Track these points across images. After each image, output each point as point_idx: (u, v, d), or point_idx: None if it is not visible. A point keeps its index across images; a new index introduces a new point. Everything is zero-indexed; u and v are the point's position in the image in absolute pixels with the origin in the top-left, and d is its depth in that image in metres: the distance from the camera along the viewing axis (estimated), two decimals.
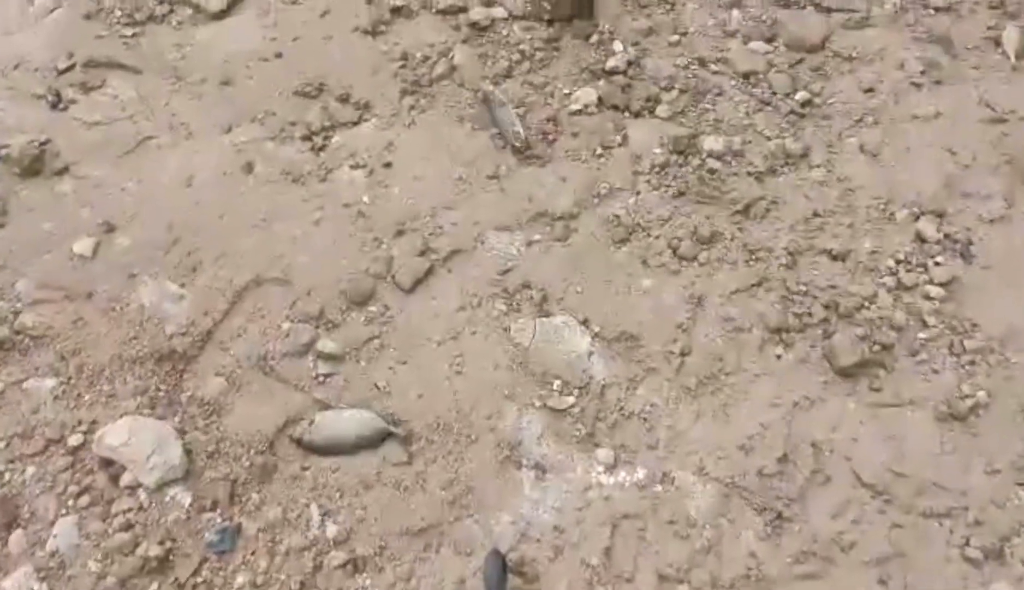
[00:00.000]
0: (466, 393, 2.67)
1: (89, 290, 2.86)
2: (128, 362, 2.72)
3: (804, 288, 2.85)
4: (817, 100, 3.33)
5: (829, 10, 3.59)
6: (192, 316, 2.81)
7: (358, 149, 3.20)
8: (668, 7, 3.61)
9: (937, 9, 3.58)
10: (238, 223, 3.01)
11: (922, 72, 3.38)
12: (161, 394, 2.68)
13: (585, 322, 2.81)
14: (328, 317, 2.83)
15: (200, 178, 3.12)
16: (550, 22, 3.52)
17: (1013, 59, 3.39)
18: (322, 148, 3.21)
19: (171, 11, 3.56)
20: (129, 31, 3.48)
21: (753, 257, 2.93)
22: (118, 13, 3.52)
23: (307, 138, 3.23)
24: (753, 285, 2.87)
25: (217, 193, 3.09)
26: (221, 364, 2.75)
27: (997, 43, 3.45)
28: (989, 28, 3.49)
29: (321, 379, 2.72)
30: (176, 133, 3.23)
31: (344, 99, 3.32)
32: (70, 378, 2.69)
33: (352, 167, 3.16)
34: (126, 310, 2.82)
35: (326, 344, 2.76)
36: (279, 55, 3.44)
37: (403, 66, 3.41)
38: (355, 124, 3.27)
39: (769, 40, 3.51)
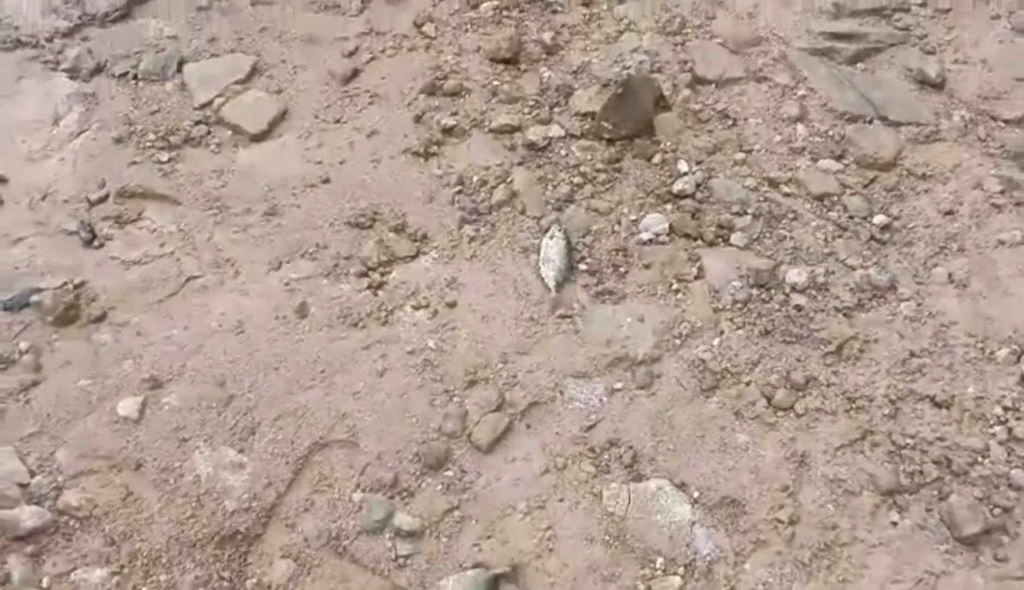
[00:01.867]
0: (562, 577, 2.44)
1: (138, 459, 2.60)
2: (187, 546, 2.46)
3: (911, 442, 2.67)
4: (896, 224, 3.17)
5: (897, 124, 3.45)
6: (254, 488, 2.56)
7: (419, 286, 2.99)
8: (730, 123, 3.46)
9: (1008, 122, 3.46)
10: (295, 375, 2.78)
11: (1001, 191, 3.24)
12: (225, 583, 2.41)
13: (682, 486, 2.60)
14: (402, 485, 2.59)
15: (251, 323, 2.88)
16: (610, 141, 3.35)
17: None
18: (380, 286, 2.99)
19: (209, 133, 3.33)
20: (165, 155, 3.26)
21: (853, 406, 2.75)
22: (151, 136, 3.30)
23: (363, 274, 3.01)
24: (857, 439, 2.68)
25: (270, 340, 2.85)
26: (288, 544, 2.50)
27: None
28: None
29: (401, 561, 2.47)
30: (222, 271, 3.00)
31: (399, 229, 3.12)
32: (123, 567, 2.43)
33: (414, 307, 2.94)
34: (180, 482, 2.56)
35: (403, 519, 2.52)
36: (326, 180, 3.23)
37: (460, 192, 3.22)
38: (413, 258, 3.06)
39: (839, 157, 3.37)
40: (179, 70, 3.50)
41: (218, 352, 2.82)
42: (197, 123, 3.35)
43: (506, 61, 3.55)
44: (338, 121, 3.39)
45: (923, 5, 3.90)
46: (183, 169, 3.23)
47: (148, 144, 3.29)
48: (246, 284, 2.98)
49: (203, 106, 3.38)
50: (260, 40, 3.61)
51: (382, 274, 3.01)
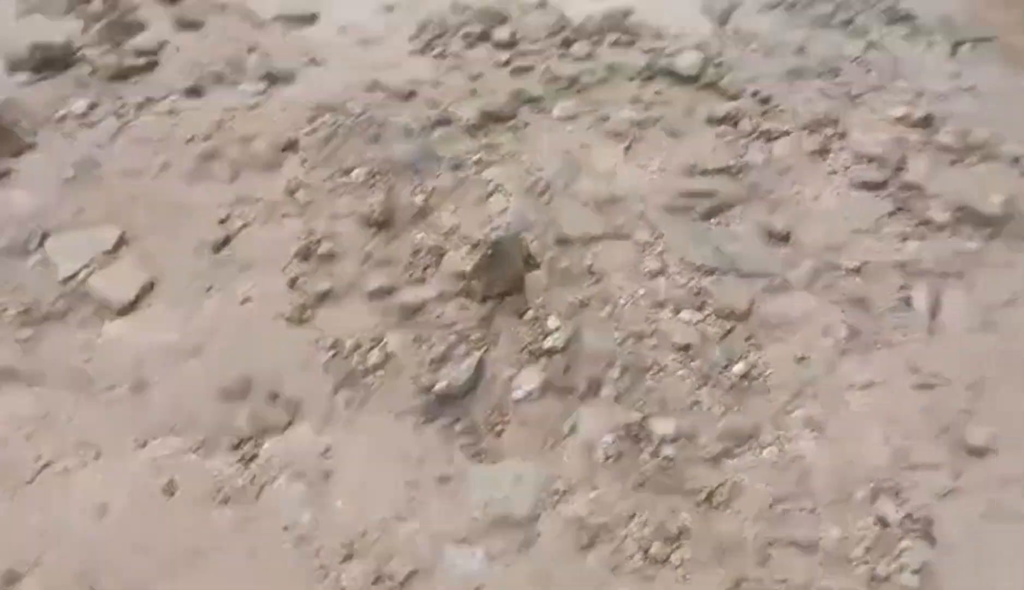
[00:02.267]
0: None
1: None
2: None
3: (783, 587, 2.74)
4: (755, 372, 3.34)
5: (749, 275, 3.68)
6: None
7: (293, 458, 2.94)
8: (595, 278, 3.61)
9: (848, 270, 3.74)
10: (163, 560, 2.66)
11: (847, 337, 3.47)
12: None
13: None
14: None
15: (114, 506, 2.76)
16: (483, 300, 3.44)
17: (927, 320, 3.55)
18: (252, 458, 2.93)
19: (72, 307, 3.26)
20: (25, 333, 3.15)
21: (726, 555, 2.81)
22: (11, 312, 3.20)
23: (235, 447, 2.95)
24: (731, 588, 2.74)
25: (134, 523, 2.73)
26: None
27: (909, 303, 3.61)
28: (900, 288, 3.66)
29: None
30: (84, 453, 2.88)
31: (273, 399, 3.09)
32: None
33: (288, 479, 2.88)
34: None
35: None
36: (197, 351, 3.19)
37: (334, 356, 3.23)
38: (287, 427, 3.02)
39: (698, 308, 3.55)
40: (42, 244, 3.44)
41: (78, 539, 2.68)
42: (60, 297, 3.27)
43: (379, 225, 3.64)
44: (209, 289, 3.38)
45: (766, 165, 4.24)
46: (44, 346, 3.14)
47: (7, 321, 3.18)
48: (109, 465, 2.87)
49: (67, 279, 3.32)
50: (129, 210, 3.60)
51: (255, 446, 2.95)
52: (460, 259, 3.54)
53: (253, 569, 2.66)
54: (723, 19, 5.36)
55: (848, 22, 5.33)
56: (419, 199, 3.78)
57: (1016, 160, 4.33)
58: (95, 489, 2.80)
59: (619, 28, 5.07)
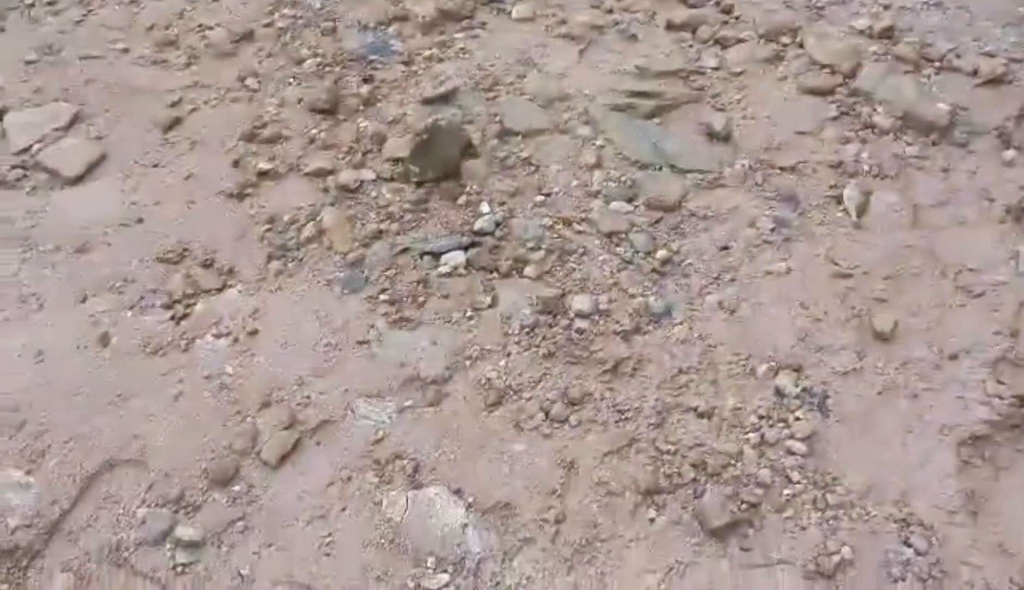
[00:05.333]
0: (334, 578, 2.55)
1: None
2: None
3: (673, 448, 2.89)
4: (676, 258, 3.46)
5: (684, 171, 3.78)
6: (38, 507, 2.62)
7: (222, 317, 3.12)
8: (532, 168, 3.73)
9: (783, 169, 3.82)
10: (91, 401, 2.86)
11: (772, 229, 3.57)
12: None
13: (458, 492, 2.76)
14: (188, 500, 2.69)
15: (51, 353, 2.96)
16: (419, 184, 3.58)
17: (854, 216, 3.63)
18: (184, 317, 3.11)
19: (24, 176, 3.44)
20: None
21: (623, 417, 2.97)
22: None
23: (168, 306, 3.13)
24: (623, 446, 2.89)
25: (69, 369, 2.93)
26: (69, 558, 2.55)
27: (839, 201, 3.70)
28: (831, 187, 3.74)
29: (180, 569, 2.55)
30: (26, 306, 3.08)
31: (208, 265, 3.26)
32: None
33: (215, 336, 3.07)
34: None
35: (185, 531, 2.61)
36: (140, 220, 3.36)
37: (269, 230, 3.39)
38: (219, 291, 3.20)
39: (629, 200, 3.66)
40: (0, 119, 3.61)
41: (15, 381, 2.89)
42: (13, 167, 3.45)
43: (324, 111, 3.78)
44: (156, 165, 3.54)
45: (717, 69, 4.31)
46: None
47: None
48: (49, 317, 3.06)
49: (20, 151, 3.50)
50: (85, 91, 3.76)
51: (186, 306, 3.13)
52: (399, 145, 3.66)
53: (176, 410, 2.85)
54: None
55: None
56: (366, 89, 3.89)
57: (974, 72, 4.35)
58: (35, 338, 2.99)
59: None
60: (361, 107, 3.83)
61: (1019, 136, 4.01)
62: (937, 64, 4.42)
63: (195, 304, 3.14)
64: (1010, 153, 3.95)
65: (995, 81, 4.30)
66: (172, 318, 3.10)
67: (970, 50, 4.51)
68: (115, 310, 3.10)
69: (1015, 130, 4.04)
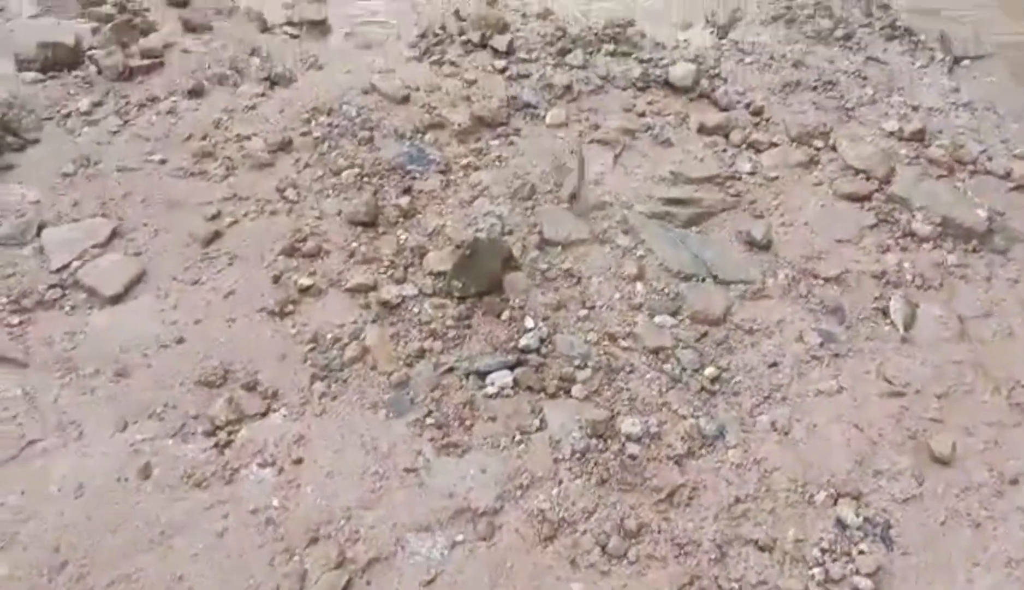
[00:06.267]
0: None
1: None
2: None
3: (737, 586, 2.79)
4: (725, 375, 3.39)
5: (727, 282, 3.74)
6: None
7: (267, 444, 3.03)
8: (574, 280, 3.69)
9: (827, 279, 3.78)
10: (134, 538, 2.76)
11: (820, 344, 3.51)
12: None
13: None
14: None
15: (91, 486, 2.87)
16: (461, 299, 3.53)
17: (902, 330, 3.58)
18: (227, 445, 3.03)
19: (63, 295, 3.39)
20: (15, 319, 3.28)
21: (682, 552, 2.87)
22: (3, 300, 3.33)
23: (211, 433, 3.05)
24: (685, 584, 2.79)
25: (110, 503, 2.84)
26: None
27: (885, 313, 3.65)
28: (876, 298, 3.70)
29: None
30: (65, 434, 3.00)
31: (251, 388, 3.19)
32: None
33: (260, 465, 2.98)
34: None
35: None
36: (180, 341, 3.30)
37: (312, 349, 3.33)
38: (263, 415, 3.12)
39: (673, 313, 3.61)
40: (38, 234, 3.57)
41: (55, 517, 2.79)
42: (52, 286, 3.40)
43: (364, 224, 3.75)
44: (196, 282, 3.49)
45: (752, 174, 4.30)
46: (33, 332, 3.26)
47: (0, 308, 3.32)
48: (89, 446, 2.98)
49: (59, 269, 3.45)
50: (123, 205, 3.73)
51: (230, 433, 3.05)
52: (441, 259, 3.63)
53: (220, 549, 2.75)
54: (723, 32, 5.42)
55: (848, 37, 5.37)
56: (405, 201, 3.87)
57: (1007, 175, 4.36)
58: (74, 469, 2.90)
59: (618, 38, 5.15)
60: (401, 219, 3.80)
61: None
62: (970, 167, 4.43)
63: (239, 430, 3.06)
64: None
65: None
66: (215, 446, 3.01)
67: (1000, 152, 4.53)
68: (156, 438, 3.01)
69: None
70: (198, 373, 3.20)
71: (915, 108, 4.85)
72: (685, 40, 5.27)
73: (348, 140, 4.13)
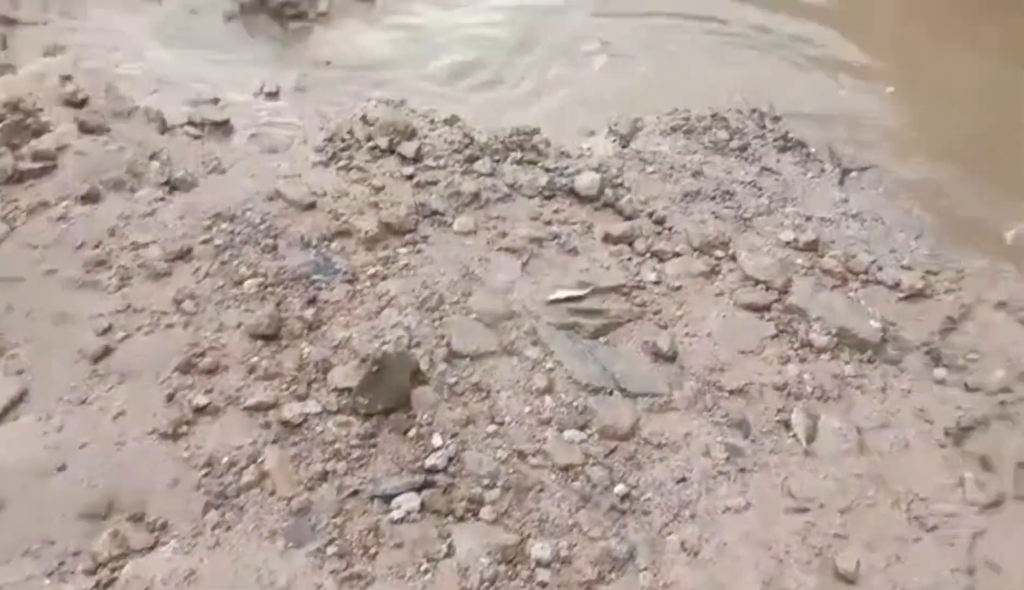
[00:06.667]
0: None
1: None
2: None
3: None
4: (635, 492, 3.37)
5: (635, 395, 3.74)
6: None
7: (154, 581, 2.84)
8: (483, 394, 3.64)
9: (731, 392, 3.83)
10: None
11: (727, 458, 3.54)
12: None
13: None
14: None
15: None
16: (367, 416, 3.43)
17: (804, 443, 3.64)
18: (110, 583, 2.82)
19: None
20: None
21: None
22: None
23: (92, 571, 2.84)
24: None
25: None
26: None
27: (788, 425, 3.71)
28: (779, 410, 3.76)
29: None
30: None
31: (138, 519, 3.00)
32: None
33: None
34: None
35: None
36: (63, 467, 3.09)
37: (207, 474, 3.16)
38: (150, 549, 2.93)
39: (582, 428, 3.59)
40: None
41: None
42: None
43: (266, 337, 3.63)
44: (83, 402, 3.30)
45: (657, 283, 4.37)
46: None
47: None
48: None
49: None
50: (5, 319, 3.53)
51: (113, 570, 2.85)
52: (346, 374, 3.53)
53: None
54: (625, 141, 5.57)
55: (743, 148, 5.58)
56: (310, 312, 3.78)
57: (896, 285, 4.54)
58: None
59: (524, 146, 5.22)
60: (305, 331, 3.71)
61: (946, 352, 4.16)
62: (862, 277, 4.61)
63: (123, 567, 2.86)
64: (940, 372, 4.08)
65: (916, 295, 4.49)
66: (96, 585, 2.80)
67: (890, 262, 4.73)
68: (31, 578, 2.79)
69: (941, 346, 4.19)
70: (81, 504, 2.99)
71: (808, 218, 5.04)
72: (589, 148, 5.38)
73: (251, 248, 4.03)
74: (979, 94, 6.09)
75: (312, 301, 3.83)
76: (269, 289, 3.83)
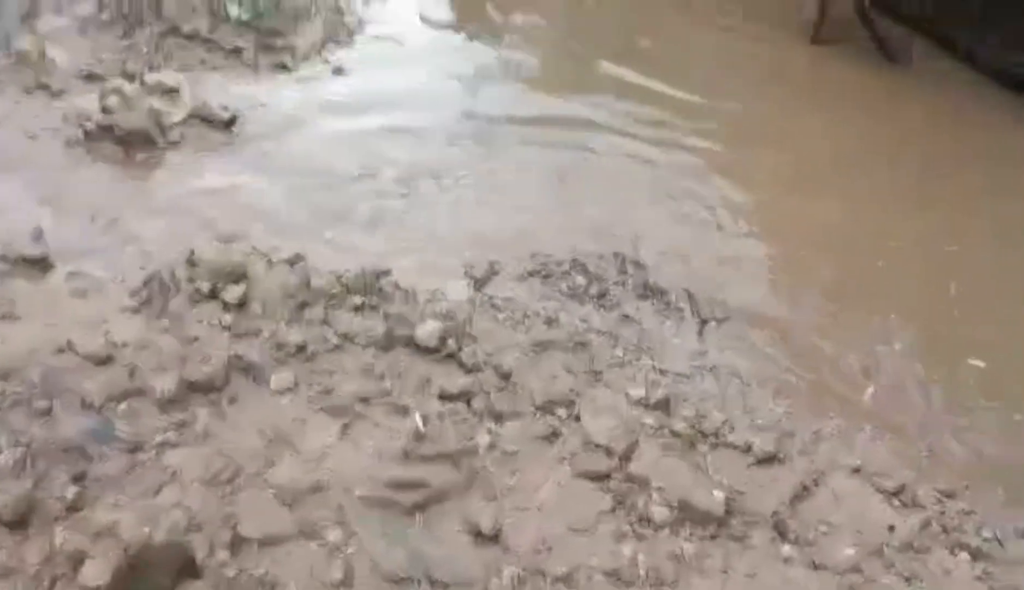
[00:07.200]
0: None
1: None
2: None
3: None
4: None
5: (445, 585, 3.36)
6: None
7: None
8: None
9: (556, 579, 3.49)
10: None
11: None
12: None
13: None
14: None
15: None
16: None
17: None
18: None
19: None
20: None
21: None
22: None
23: None
24: None
25: None
26: None
27: None
28: None
29: None
30: None
31: None
32: None
33: None
34: None
35: None
36: None
37: None
38: None
39: None
40: None
41: None
42: None
43: (12, 524, 3.14)
44: None
45: (492, 447, 4.03)
46: None
47: None
48: None
49: None
50: None
51: None
52: (99, 571, 3.05)
53: None
54: (480, 284, 5.32)
55: (602, 295, 5.38)
56: (73, 491, 3.31)
57: (748, 448, 4.30)
58: None
59: (369, 290, 4.92)
60: (63, 514, 3.22)
61: (794, 525, 3.90)
62: (712, 439, 4.37)
63: None
64: (787, 549, 3.81)
65: (767, 460, 4.25)
66: None
67: (743, 423, 4.50)
68: None
69: (790, 518, 3.94)
70: None
71: (663, 372, 4.82)
72: (440, 292, 5.09)
73: (21, 411, 3.56)
74: (845, 242, 6.08)
75: (79, 477, 3.37)
76: (28, 462, 3.35)
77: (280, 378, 4.14)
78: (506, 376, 4.52)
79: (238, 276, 4.70)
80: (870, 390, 4.93)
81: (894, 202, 6.48)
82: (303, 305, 4.63)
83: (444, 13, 8.51)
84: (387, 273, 5.14)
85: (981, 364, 5.07)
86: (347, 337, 4.51)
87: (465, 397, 4.33)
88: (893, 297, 5.52)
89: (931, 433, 4.59)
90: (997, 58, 7.95)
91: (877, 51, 8.49)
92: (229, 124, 6.33)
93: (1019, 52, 7.79)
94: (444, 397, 4.30)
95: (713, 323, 5.33)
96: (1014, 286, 5.79)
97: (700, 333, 5.24)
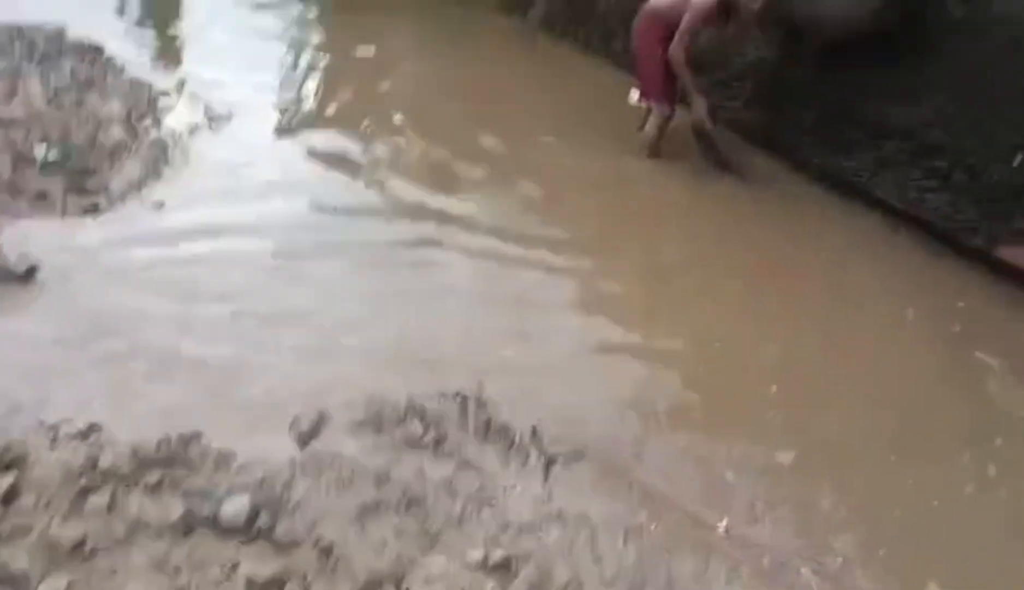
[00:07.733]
0: None
1: None
2: None
3: None
4: None
5: None
6: None
7: None
8: None
9: None
10: None
11: None
12: None
13: None
14: None
15: None
16: None
17: None
18: None
19: None
20: None
21: None
22: None
23: None
24: None
25: None
26: None
27: None
28: None
29: None
30: None
31: None
32: None
33: None
34: None
35: None
36: None
37: None
38: None
39: None
40: None
41: None
42: None
43: None
44: None
45: None
46: None
47: None
48: None
49: None
50: None
51: None
52: None
53: None
54: (305, 440, 4.83)
55: (439, 442, 4.98)
56: None
57: None
58: None
59: (173, 460, 4.37)
60: None
61: None
62: None
63: None
64: None
65: None
66: None
67: (592, 577, 4.15)
68: None
69: None
70: None
71: (505, 526, 4.42)
72: (256, 454, 4.58)
73: None
74: (719, 348, 5.92)
75: None
76: None
77: (50, 586, 3.53)
78: (327, 551, 4.04)
79: (11, 460, 4.09)
80: (724, 523, 4.66)
81: (742, 320, 6.40)
82: (87, 490, 4.05)
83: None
84: (198, 436, 4.61)
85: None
86: (137, 525, 3.94)
87: (277, 584, 3.80)
88: (739, 422, 5.34)
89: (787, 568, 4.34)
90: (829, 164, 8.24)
91: (713, 165, 8.67)
92: (27, 277, 5.74)
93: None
94: (252, 587, 3.76)
95: (560, 462, 4.99)
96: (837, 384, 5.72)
97: (546, 475, 4.89)
